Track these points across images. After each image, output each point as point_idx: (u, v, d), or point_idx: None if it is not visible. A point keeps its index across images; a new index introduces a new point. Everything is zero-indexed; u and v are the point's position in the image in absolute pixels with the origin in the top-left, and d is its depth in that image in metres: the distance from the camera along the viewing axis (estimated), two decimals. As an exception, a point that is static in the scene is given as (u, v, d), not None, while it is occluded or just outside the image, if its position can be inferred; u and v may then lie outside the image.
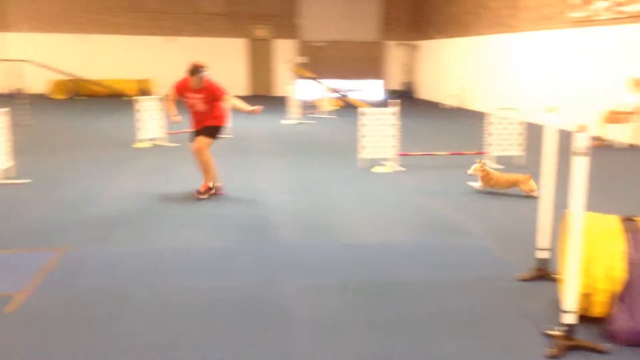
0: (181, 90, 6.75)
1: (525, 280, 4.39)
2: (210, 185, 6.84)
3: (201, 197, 6.74)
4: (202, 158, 6.75)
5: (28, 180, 7.34)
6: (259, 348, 3.36)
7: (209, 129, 6.77)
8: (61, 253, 4.81)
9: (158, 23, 22.35)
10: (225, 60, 22.80)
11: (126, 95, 20.32)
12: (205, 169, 6.80)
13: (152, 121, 10.46)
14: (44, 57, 20.43)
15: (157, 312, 3.79)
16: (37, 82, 20.54)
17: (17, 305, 3.81)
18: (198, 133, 6.84)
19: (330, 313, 3.83)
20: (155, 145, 10.39)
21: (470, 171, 7.38)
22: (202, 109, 6.72)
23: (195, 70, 6.57)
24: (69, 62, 21.11)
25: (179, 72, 6.74)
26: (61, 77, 20.27)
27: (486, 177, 7.28)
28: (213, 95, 6.67)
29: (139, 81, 21.25)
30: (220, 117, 6.83)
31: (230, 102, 6.74)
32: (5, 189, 6.97)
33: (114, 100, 19.71)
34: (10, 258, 4.70)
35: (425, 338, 3.51)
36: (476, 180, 7.40)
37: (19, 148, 8.51)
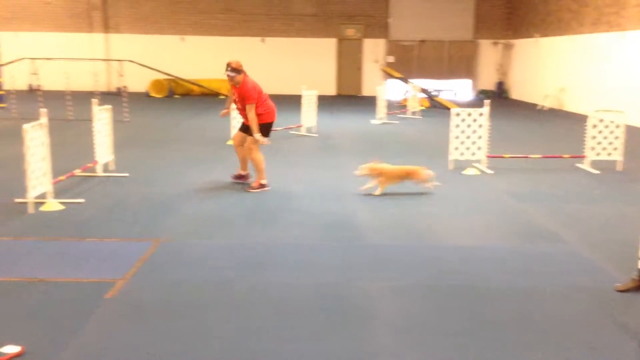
0: (230, 86, 7.27)
1: (624, 291, 4.16)
2: (263, 182, 7.18)
3: (252, 191, 7.08)
4: (253, 157, 7.14)
5: (126, 174, 7.77)
6: (340, 344, 3.39)
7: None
8: (157, 244, 5.06)
9: (250, 24, 22.99)
10: (315, 60, 23.10)
11: (221, 94, 21.04)
12: (257, 168, 7.17)
13: (237, 120, 10.73)
14: (144, 58, 21.56)
15: (244, 304, 3.92)
16: (138, 81, 21.71)
17: (117, 291, 4.06)
18: (243, 128, 7.33)
19: (414, 315, 3.81)
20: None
21: (357, 172, 6.99)
22: (240, 107, 7.13)
23: (225, 67, 6.93)
24: (168, 62, 22.14)
25: (270, 72, 7.02)
26: (160, 76, 21.30)
27: (379, 176, 6.87)
28: (242, 96, 6.96)
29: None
30: (261, 115, 7.05)
31: (250, 113, 6.93)
32: (106, 182, 7.42)
33: (209, 99, 20.45)
34: (112, 247, 5.00)
35: (512, 347, 3.40)
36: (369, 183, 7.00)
37: (119, 143, 9.01)
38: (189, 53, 22.88)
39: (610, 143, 8.61)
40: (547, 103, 18.62)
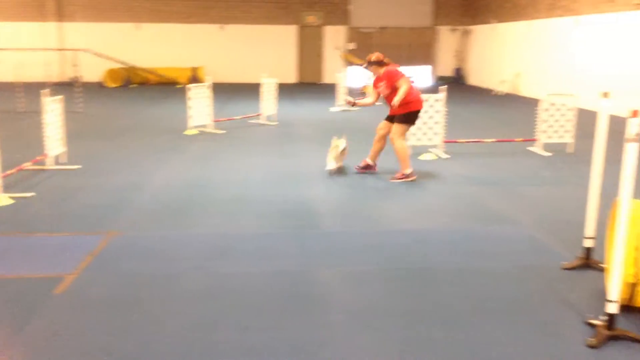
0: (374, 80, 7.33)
1: (570, 268, 4.28)
2: (407, 171, 7.00)
3: (394, 181, 6.98)
4: (397, 146, 7.01)
5: (78, 167, 7.59)
6: (296, 332, 3.40)
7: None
8: (110, 237, 4.97)
9: (209, 11, 22.67)
10: (276, 48, 22.95)
11: (179, 83, 20.76)
12: (401, 157, 7.02)
13: (202, 108, 10.62)
14: (99, 46, 21.07)
15: (199, 295, 3.88)
16: (92, 71, 21.19)
17: (66, 286, 3.98)
18: (390, 117, 7.19)
19: (369, 299, 3.84)
20: (204, 133, 10.57)
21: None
22: (388, 94, 7.05)
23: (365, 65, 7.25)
24: (124, 50, 21.69)
25: (229, 60, 6.94)
26: (115, 65, 20.85)
27: None
28: (390, 81, 6.99)
29: (192, 69, 21.68)
30: (409, 102, 6.97)
31: (402, 88, 6.87)
32: (58, 174, 7.24)
33: (167, 87, 20.14)
34: (62, 241, 4.89)
35: (465, 326, 3.47)
36: None
37: (72, 135, 8.78)
38: (145, 41, 22.46)
39: (562, 126, 8.82)
40: (503, 88, 18.94)
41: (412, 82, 7.02)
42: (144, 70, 21.04)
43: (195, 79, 21.01)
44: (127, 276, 4.19)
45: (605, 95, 4.02)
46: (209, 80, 10.86)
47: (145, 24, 22.51)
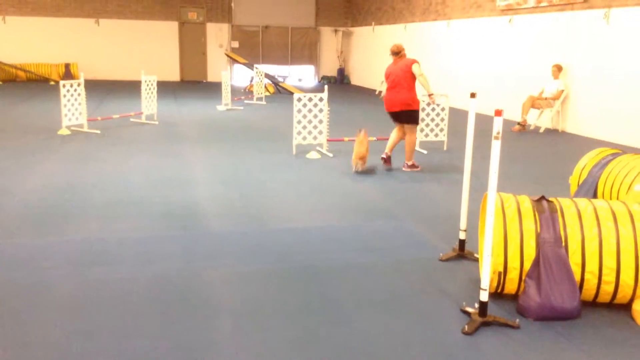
0: None
1: (447, 260, 4.52)
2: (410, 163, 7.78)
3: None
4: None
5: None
6: (181, 337, 3.30)
7: None
8: (-28, 246, 4.57)
9: (82, 4, 21.47)
10: (156, 45, 22.23)
11: (52, 80, 19.51)
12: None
13: (76, 107, 10.05)
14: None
15: (74, 304, 3.66)
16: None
17: None
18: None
19: (255, 300, 3.82)
20: (78, 133, 10.01)
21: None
22: None
23: None
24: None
25: (107, 57, 6.50)
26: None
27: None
28: None
29: (65, 65, 20.46)
30: None
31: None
32: None
33: (39, 85, 18.86)
34: None
35: (351, 321, 3.55)
36: None
37: None
38: (12, 35, 20.86)
39: (437, 125, 9.30)
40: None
41: (388, 83, 7.68)
42: (11, 66, 19.52)
43: (69, 75, 19.86)
44: (-8, 289, 3.86)
45: (473, 95, 4.29)
46: (82, 77, 10.29)
47: (11, 17, 20.91)
